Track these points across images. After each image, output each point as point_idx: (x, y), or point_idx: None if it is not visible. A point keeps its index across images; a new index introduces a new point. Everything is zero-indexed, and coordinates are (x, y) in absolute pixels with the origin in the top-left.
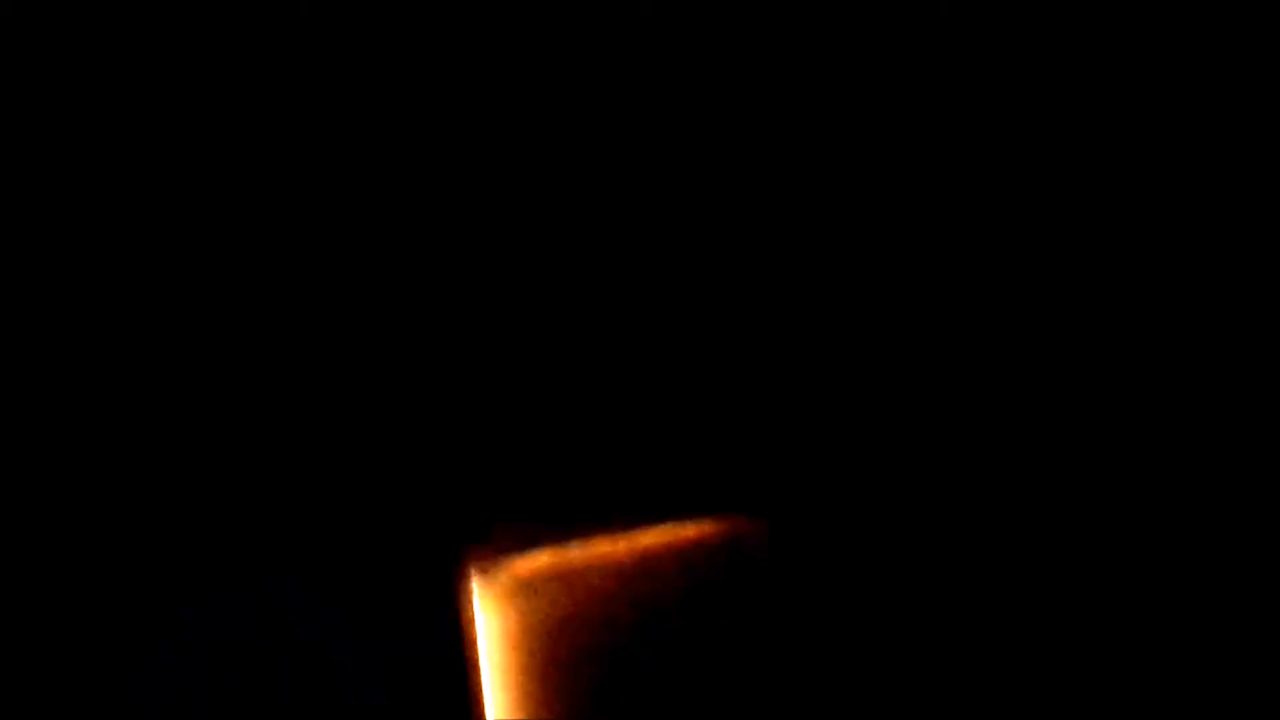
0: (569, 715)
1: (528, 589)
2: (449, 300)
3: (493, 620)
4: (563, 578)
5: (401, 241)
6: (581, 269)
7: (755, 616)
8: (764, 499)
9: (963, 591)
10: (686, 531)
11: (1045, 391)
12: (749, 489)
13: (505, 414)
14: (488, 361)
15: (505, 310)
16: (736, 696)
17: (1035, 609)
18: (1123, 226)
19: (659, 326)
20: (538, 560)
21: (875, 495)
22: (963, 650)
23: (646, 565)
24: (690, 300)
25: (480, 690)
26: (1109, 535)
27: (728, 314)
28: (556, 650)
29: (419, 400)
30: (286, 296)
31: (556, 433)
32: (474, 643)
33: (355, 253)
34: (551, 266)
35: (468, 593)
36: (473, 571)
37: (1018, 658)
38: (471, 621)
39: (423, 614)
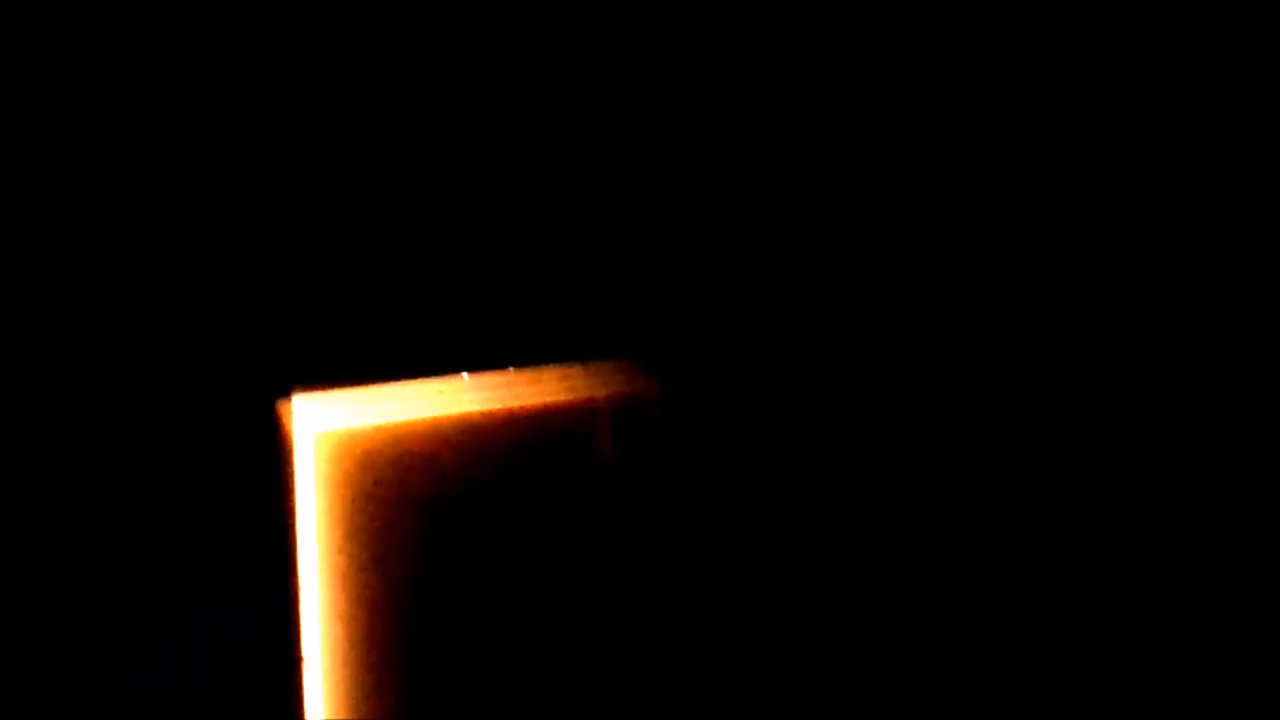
0: (400, 562)
1: (365, 436)
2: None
3: (324, 467)
4: (402, 425)
5: (227, 84)
6: (431, 87)
7: (613, 471)
8: (630, 344)
9: (845, 448)
10: (547, 376)
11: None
12: (616, 334)
13: (343, 240)
14: (326, 184)
15: (344, 129)
16: (590, 554)
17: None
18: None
19: (522, 145)
20: (373, 403)
21: (765, 344)
22: (842, 509)
23: (496, 414)
24: (566, 119)
25: (296, 529)
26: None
27: (605, 137)
28: (393, 498)
29: (250, 229)
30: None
31: (397, 267)
32: (293, 485)
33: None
34: (397, 84)
35: (290, 431)
36: (300, 413)
37: (887, 505)
38: (292, 460)
39: (244, 451)
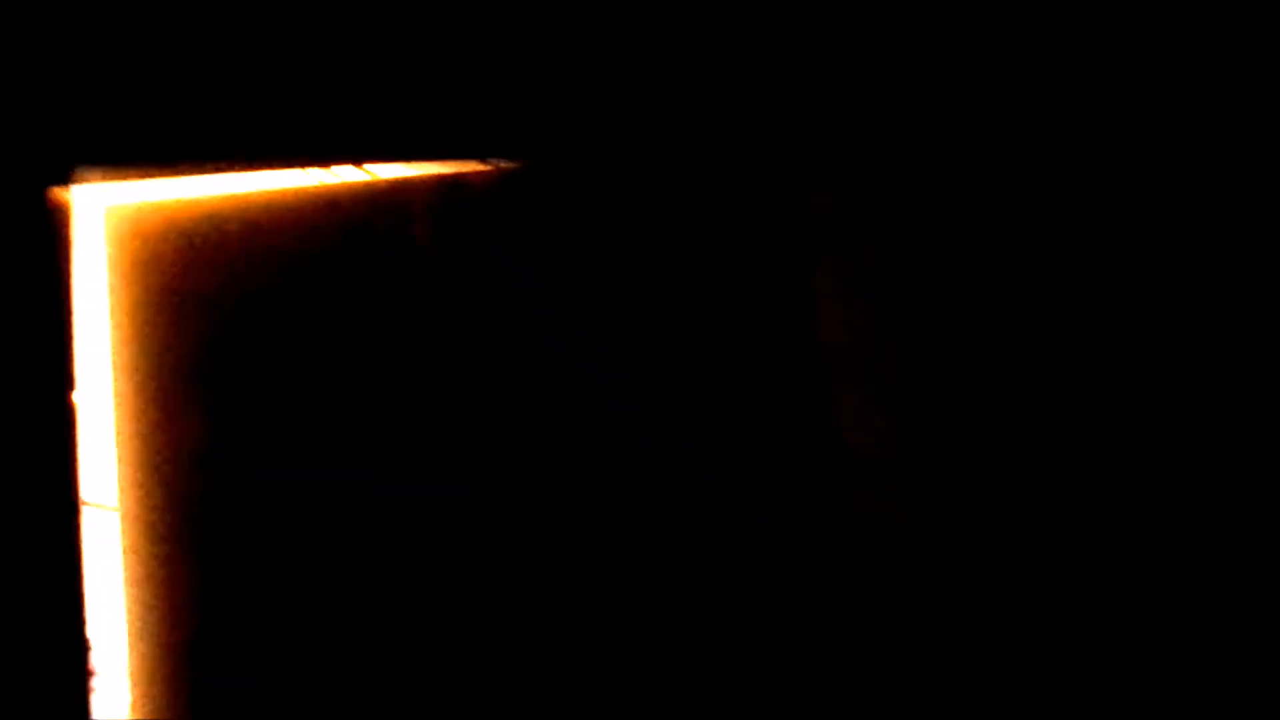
0: (200, 339)
1: (160, 221)
2: None
3: (117, 244)
4: (203, 200)
5: None
6: None
7: (428, 252)
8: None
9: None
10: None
11: None
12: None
13: (144, 18)
14: None
15: None
16: (398, 336)
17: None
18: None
19: None
20: (167, 188)
21: (597, 120)
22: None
23: (306, 191)
24: None
25: (71, 308)
26: None
27: None
28: (194, 273)
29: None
30: None
31: (202, 45)
32: (69, 270)
33: None
34: None
35: (69, 215)
36: (87, 189)
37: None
38: (69, 245)
39: (21, 234)
